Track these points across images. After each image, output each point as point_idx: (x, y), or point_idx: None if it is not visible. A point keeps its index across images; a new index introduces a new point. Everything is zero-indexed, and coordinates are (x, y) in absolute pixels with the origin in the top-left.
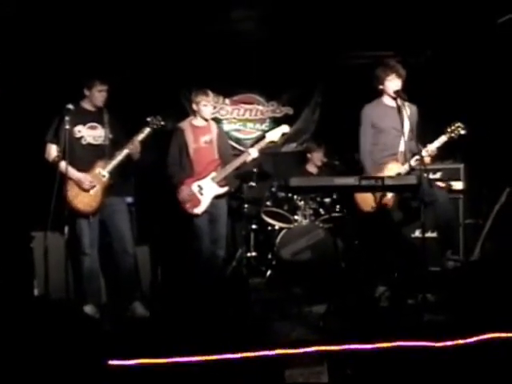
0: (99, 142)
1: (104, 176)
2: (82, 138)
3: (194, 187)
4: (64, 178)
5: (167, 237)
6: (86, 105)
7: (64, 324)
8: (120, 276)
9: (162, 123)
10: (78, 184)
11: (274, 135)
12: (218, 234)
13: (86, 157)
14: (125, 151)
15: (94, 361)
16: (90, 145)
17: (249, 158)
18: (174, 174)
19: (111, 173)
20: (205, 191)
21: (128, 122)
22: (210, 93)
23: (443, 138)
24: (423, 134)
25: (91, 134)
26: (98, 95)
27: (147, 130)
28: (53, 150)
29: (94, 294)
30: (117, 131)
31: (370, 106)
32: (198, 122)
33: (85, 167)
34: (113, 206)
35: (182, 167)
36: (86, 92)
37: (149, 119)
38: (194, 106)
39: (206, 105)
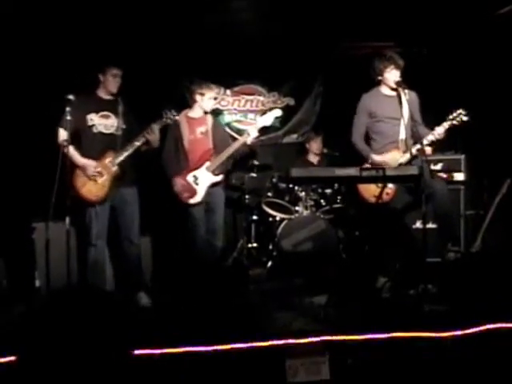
0: (111, 131)
1: (114, 166)
2: (93, 126)
3: (189, 177)
4: (71, 165)
5: (167, 228)
6: (101, 93)
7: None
8: (126, 266)
9: (177, 117)
10: (84, 171)
11: (267, 119)
12: (215, 224)
13: (96, 145)
14: (136, 143)
15: (118, 350)
16: (100, 133)
17: (249, 139)
18: (168, 168)
19: (121, 164)
20: (200, 181)
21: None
22: (213, 86)
23: (444, 125)
24: (424, 124)
25: (103, 122)
26: (112, 80)
27: (160, 124)
28: (62, 135)
29: (98, 285)
30: (131, 122)
31: (368, 95)
32: (194, 113)
33: (94, 156)
34: (125, 196)
35: (177, 160)
36: (101, 77)
37: (163, 112)
38: (198, 97)
39: (211, 98)
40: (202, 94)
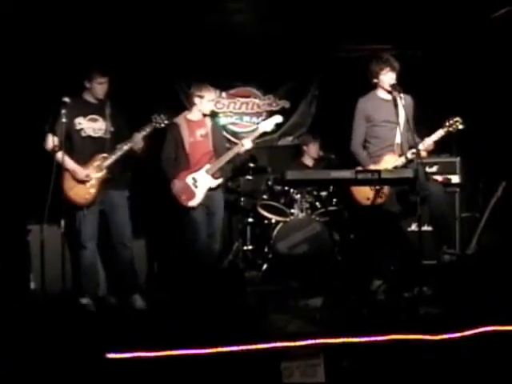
0: (99, 134)
1: (102, 170)
2: (81, 130)
3: (189, 180)
4: (60, 169)
5: (163, 230)
6: (88, 96)
7: (63, 317)
8: (119, 269)
9: (166, 122)
10: (73, 175)
11: (267, 125)
12: (214, 227)
13: (85, 149)
14: (125, 147)
15: (92, 354)
16: (89, 137)
17: (242, 149)
18: (167, 170)
19: (110, 167)
20: (199, 183)
21: (126, 115)
22: (212, 88)
23: (440, 132)
24: (419, 127)
25: (91, 126)
26: (98, 87)
27: (150, 128)
28: (51, 140)
29: (91, 287)
30: (119, 124)
31: (364, 99)
32: (193, 116)
33: (84, 160)
34: (113, 199)
35: (177, 162)
36: (87, 84)
37: (153, 117)
38: (197, 100)
39: (211, 100)
40: (201, 97)
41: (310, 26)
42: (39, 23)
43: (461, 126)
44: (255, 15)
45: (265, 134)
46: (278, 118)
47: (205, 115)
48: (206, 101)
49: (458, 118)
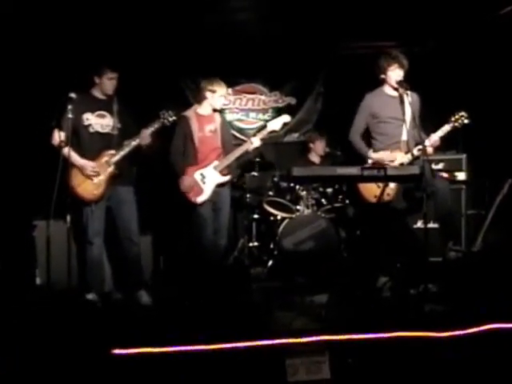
0: (107, 130)
1: (110, 166)
2: (89, 125)
3: (197, 176)
4: (67, 164)
5: (170, 226)
6: (96, 92)
7: (68, 313)
8: (126, 265)
9: (174, 118)
10: (81, 170)
11: (276, 124)
12: (220, 223)
13: (92, 145)
14: (133, 143)
15: (98, 350)
16: (97, 133)
17: (251, 147)
18: (176, 164)
19: (117, 163)
20: (207, 180)
21: (133, 111)
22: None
23: (446, 128)
24: (425, 124)
25: (99, 122)
26: (108, 83)
27: (157, 124)
28: (57, 136)
29: (97, 283)
30: (126, 121)
31: (371, 95)
32: (203, 110)
33: (91, 155)
34: (120, 195)
35: (186, 156)
36: (96, 80)
37: (161, 113)
38: (208, 94)
39: (222, 95)
40: (213, 91)
41: (315, 23)
42: (47, 19)
43: (466, 121)
44: (260, 12)
45: (272, 131)
46: (287, 118)
47: (215, 110)
48: (218, 95)
49: (463, 113)
